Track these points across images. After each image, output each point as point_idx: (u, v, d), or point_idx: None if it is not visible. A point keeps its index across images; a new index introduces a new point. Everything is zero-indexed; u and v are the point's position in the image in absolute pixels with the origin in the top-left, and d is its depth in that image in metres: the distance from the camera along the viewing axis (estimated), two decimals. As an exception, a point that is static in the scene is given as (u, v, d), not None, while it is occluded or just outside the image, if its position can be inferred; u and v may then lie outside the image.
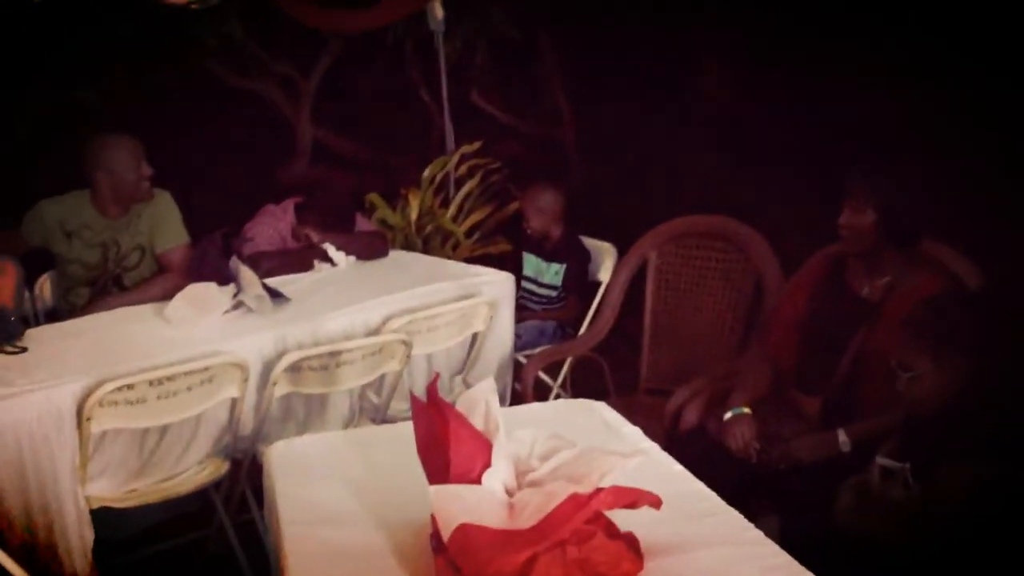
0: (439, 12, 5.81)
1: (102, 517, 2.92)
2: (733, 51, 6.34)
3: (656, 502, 1.85)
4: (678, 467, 2.37)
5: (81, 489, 2.85)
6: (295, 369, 3.13)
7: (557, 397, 4.10)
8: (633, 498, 1.86)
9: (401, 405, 3.46)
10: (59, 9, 4.82)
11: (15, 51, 5.48)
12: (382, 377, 3.39)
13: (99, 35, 5.77)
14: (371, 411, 3.50)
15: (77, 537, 2.86)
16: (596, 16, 6.72)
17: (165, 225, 3.90)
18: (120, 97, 5.96)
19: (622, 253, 4.19)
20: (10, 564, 2.19)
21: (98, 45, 5.83)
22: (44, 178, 4.07)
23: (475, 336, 3.74)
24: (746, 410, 3.02)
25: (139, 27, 5.92)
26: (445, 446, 1.92)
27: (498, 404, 2.02)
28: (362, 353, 3.27)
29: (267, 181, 6.96)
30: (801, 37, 5.56)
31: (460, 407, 2.03)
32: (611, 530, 1.88)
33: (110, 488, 2.95)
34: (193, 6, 5.13)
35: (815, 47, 5.42)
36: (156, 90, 6.50)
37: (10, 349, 3.10)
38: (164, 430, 3.00)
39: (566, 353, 4.17)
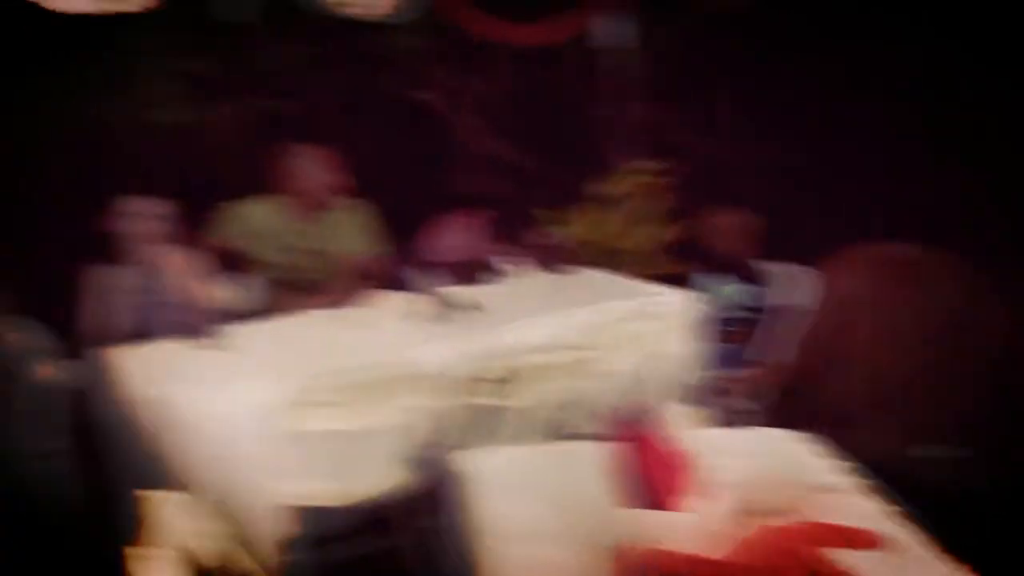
0: (611, 27, 5.81)
1: (294, 514, 2.98)
2: (927, 69, 6.10)
3: (873, 542, 1.78)
4: (888, 506, 2.27)
5: (276, 486, 2.92)
6: (479, 380, 3.15)
7: (744, 424, 3.99)
8: (848, 536, 1.79)
9: (585, 422, 3.43)
10: (248, 23, 5.02)
11: (211, 62, 5.72)
12: (565, 392, 3.37)
13: (289, 46, 5.96)
14: (555, 427, 3.48)
15: (269, 532, 2.92)
16: (778, 31, 6.57)
17: (356, 232, 4.00)
18: (307, 106, 6.15)
19: (813, 279, 4.07)
20: (207, 552, 2.26)
21: (287, 56, 6.02)
22: (238, 182, 4.20)
23: (656, 356, 3.68)
24: (957, 452, 2.89)
25: (318, 40, 6.09)
26: (644, 469, 1.89)
27: (696, 429, 1.98)
28: (545, 368, 3.27)
29: (441, 192, 7.05)
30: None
31: (655, 431, 2.00)
32: (827, 566, 1.81)
33: (303, 487, 3.00)
34: (385, 22, 5.22)
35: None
36: (332, 100, 6.66)
37: (212, 345, 3.22)
38: (356, 433, 3.05)
39: (753, 379, 4.07)
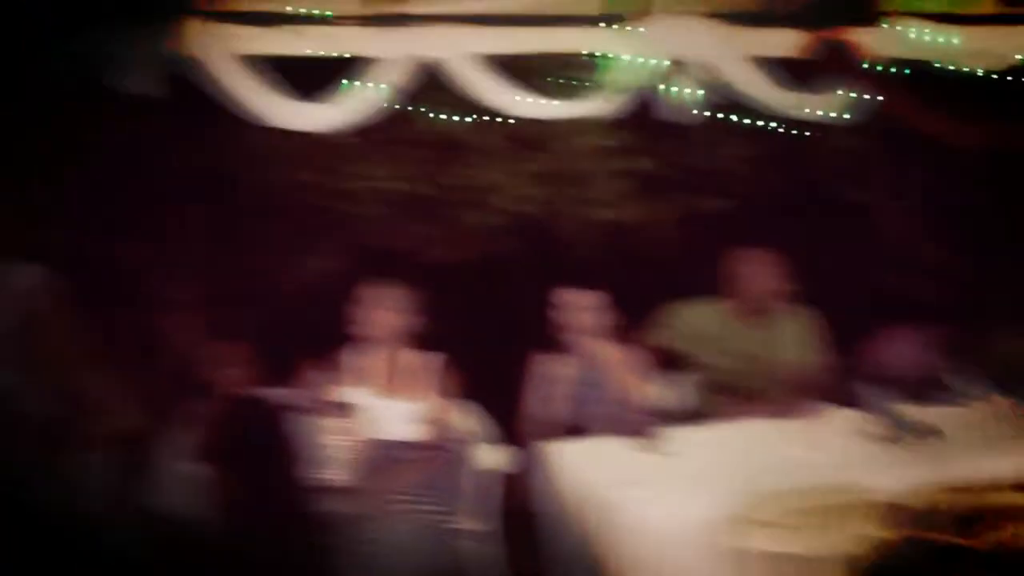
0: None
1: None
2: None
3: None
4: None
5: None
6: (938, 514, 2.86)
7: None
8: None
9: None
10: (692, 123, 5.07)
11: (654, 161, 5.84)
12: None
13: (731, 146, 5.98)
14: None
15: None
16: None
17: (799, 340, 3.89)
18: (748, 207, 6.11)
19: None
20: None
21: (728, 156, 6.04)
22: (680, 282, 4.21)
23: None
24: None
25: (759, 140, 6.03)
26: None
27: None
28: (1016, 508, 2.91)
29: (885, 301, 6.72)
30: None
31: None
32: None
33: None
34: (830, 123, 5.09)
35: None
36: (772, 201, 6.56)
37: (651, 448, 3.21)
38: (799, 557, 2.88)
39: None
